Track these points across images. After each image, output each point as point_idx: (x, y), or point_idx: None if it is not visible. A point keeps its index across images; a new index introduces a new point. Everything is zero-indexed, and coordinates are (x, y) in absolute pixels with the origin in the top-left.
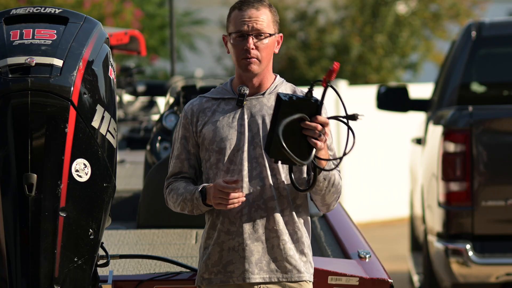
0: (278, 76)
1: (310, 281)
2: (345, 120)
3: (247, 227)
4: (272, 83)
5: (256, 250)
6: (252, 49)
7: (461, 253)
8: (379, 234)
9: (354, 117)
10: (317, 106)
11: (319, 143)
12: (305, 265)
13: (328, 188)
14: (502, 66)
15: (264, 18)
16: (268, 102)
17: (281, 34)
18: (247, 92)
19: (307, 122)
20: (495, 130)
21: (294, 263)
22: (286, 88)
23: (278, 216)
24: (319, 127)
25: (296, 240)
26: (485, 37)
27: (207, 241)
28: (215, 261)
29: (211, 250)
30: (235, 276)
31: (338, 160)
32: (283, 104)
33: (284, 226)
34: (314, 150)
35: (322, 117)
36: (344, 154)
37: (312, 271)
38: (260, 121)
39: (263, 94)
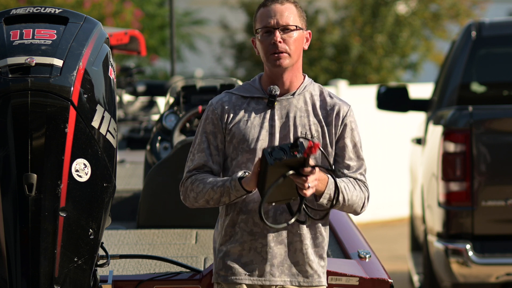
0: (306, 76)
1: (327, 286)
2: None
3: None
4: (302, 83)
5: (279, 253)
6: (280, 42)
7: (461, 253)
8: (379, 234)
9: (334, 172)
10: (304, 159)
11: (308, 192)
12: (322, 270)
13: (340, 207)
14: (502, 66)
15: (289, 12)
16: (298, 103)
17: (309, 31)
18: (277, 92)
19: (294, 178)
20: (495, 130)
21: (315, 267)
22: (314, 88)
23: None
24: (306, 179)
25: (317, 245)
26: (485, 37)
27: (224, 238)
28: (234, 259)
29: (230, 248)
30: (255, 276)
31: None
32: (270, 168)
33: (308, 231)
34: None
35: (308, 169)
36: (331, 206)
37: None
38: (290, 123)
39: (293, 94)
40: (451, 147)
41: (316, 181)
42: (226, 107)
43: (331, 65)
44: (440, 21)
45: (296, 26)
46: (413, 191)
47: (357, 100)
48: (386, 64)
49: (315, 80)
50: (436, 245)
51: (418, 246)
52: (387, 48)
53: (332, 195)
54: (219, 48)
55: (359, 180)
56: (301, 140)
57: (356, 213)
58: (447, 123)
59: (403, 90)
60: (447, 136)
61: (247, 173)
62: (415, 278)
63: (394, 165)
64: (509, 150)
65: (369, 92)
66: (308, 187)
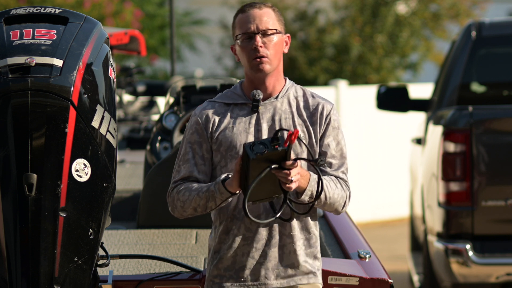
0: (287, 79)
1: (322, 285)
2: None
3: (264, 233)
4: (284, 85)
5: (273, 256)
6: (261, 47)
7: (461, 253)
8: (379, 234)
9: (317, 162)
10: (285, 152)
11: (292, 186)
12: (318, 269)
13: (322, 205)
14: (502, 66)
15: (268, 17)
16: (282, 106)
17: (288, 35)
18: (261, 97)
19: (277, 173)
20: (495, 130)
21: (310, 268)
22: (297, 90)
23: (294, 222)
24: (289, 173)
25: (311, 245)
26: (485, 37)
27: (218, 245)
28: (228, 265)
29: (223, 254)
30: (250, 281)
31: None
32: (251, 162)
33: (300, 232)
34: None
35: (290, 163)
36: (316, 198)
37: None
38: (276, 126)
39: (276, 98)
40: (451, 147)
41: (299, 175)
42: (210, 115)
43: (331, 65)
44: (440, 21)
45: (276, 30)
46: (413, 191)
47: (357, 100)
48: (386, 64)
49: (316, 80)
50: (436, 245)
51: (418, 246)
52: (387, 48)
53: (314, 192)
54: (219, 48)
55: (340, 178)
56: (281, 134)
57: (338, 212)
58: (447, 123)
59: (403, 90)
60: (447, 136)
61: (230, 176)
62: (415, 278)
63: (394, 165)
64: (509, 150)
65: (369, 92)
66: (291, 180)
